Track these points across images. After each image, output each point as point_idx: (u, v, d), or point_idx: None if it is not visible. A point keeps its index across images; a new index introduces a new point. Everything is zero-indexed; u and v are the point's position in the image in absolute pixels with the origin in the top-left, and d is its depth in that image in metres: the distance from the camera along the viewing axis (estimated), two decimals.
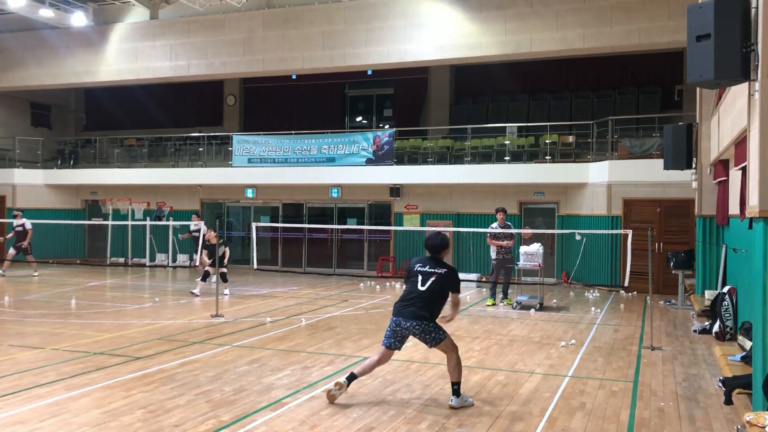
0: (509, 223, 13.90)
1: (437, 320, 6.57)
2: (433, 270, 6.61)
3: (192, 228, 16.88)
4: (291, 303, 13.49)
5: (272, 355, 8.63)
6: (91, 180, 22.38)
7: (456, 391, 6.44)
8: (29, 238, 17.83)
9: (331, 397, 6.44)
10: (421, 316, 6.44)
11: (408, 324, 6.46)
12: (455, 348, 6.60)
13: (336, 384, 6.44)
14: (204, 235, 14.35)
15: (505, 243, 13.34)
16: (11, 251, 17.92)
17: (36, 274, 17.89)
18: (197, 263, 16.63)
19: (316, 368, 7.94)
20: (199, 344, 9.22)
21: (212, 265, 14.33)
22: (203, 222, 16.14)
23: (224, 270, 14.22)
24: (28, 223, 17.85)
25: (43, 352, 8.58)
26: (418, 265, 6.71)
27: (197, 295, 14.01)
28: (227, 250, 14.70)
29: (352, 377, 6.53)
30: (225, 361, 8.25)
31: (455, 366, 6.48)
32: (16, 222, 17.92)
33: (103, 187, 22.49)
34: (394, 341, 6.60)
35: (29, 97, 24.36)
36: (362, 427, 5.83)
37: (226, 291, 14.33)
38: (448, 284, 6.59)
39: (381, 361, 6.68)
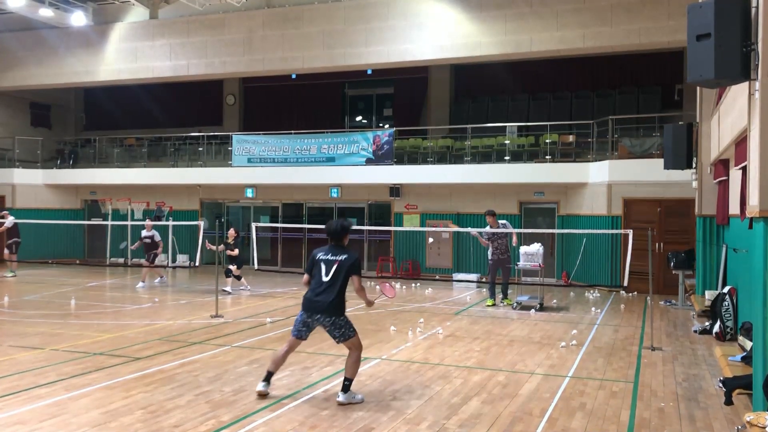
0: (505, 222, 13.75)
1: (351, 311, 6.64)
2: (334, 258, 6.59)
3: (144, 235, 16.70)
4: (291, 303, 13.48)
5: (272, 355, 8.61)
6: (90, 180, 22.37)
7: (346, 387, 6.49)
8: (3, 234, 17.59)
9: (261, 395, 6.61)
10: (330, 311, 6.50)
11: (318, 317, 6.54)
12: (360, 347, 6.69)
13: (259, 393, 6.60)
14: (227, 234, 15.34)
15: (484, 241, 13.47)
16: (6, 252, 17.89)
17: (10, 275, 17.61)
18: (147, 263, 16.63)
19: (315, 369, 7.93)
20: (199, 345, 9.21)
21: (232, 263, 15.15)
22: (155, 231, 16.65)
23: (231, 267, 15.03)
24: (9, 223, 17.55)
25: (43, 353, 8.57)
26: (321, 253, 6.69)
27: (229, 293, 14.77)
28: (237, 250, 15.24)
29: (269, 375, 6.70)
30: (225, 361, 8.25)
31: (354, 363, 6.55)
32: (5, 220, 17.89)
33: (103, 187, 22.49)
34: (304, 331, 6.71)
35: (29, 96, 24.35)
36: (362, 427, 5.82)
37: (228, 288, 14.88)
38: (349, 269, 6.55)
39: (291, 349, 6.83)
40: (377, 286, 7.84)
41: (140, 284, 15.99)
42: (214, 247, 14.67)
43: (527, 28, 16.56)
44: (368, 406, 6.45)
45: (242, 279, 15.51)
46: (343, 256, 6.59)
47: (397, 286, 16.62)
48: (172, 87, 23.24)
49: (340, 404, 6.38)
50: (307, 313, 6.59)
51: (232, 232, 15.35)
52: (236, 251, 15.20)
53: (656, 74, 19.40)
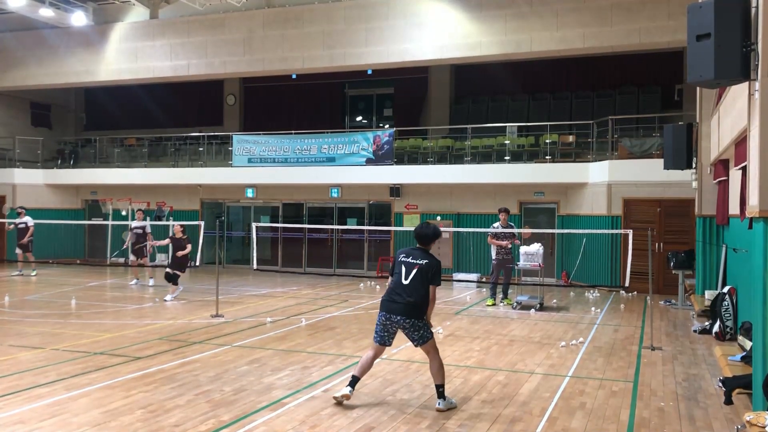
0: (512, 224, 13.88)
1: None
2: (415, 261, 6.49)
3: (134, 225, 16.51)
4: (291, 303, 13.49)
5: (272, 355, 8.63)
6: (91, 180, 22.38)
7: (441, 394, 6.37)
8: (29, 235, 17.95)
9: (338, 400, 6.43)
10: (409, 312, 6.35)
11: (397, 318, 6.39)
12: (437, 350, 6.52)
13: (343, 396, 6.39)
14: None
15: (504, 243, 13.32)
16: (17, 251, 18.05)
17: (34, 273, 17.95)
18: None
19: (316, 368, 7.94)
20: (199, 344, 9.22)
21: (171, 266, 13.83)
22: (147, 222, 16.39)
23: (179, 273, 13.73)
24: (30, 221, 18.02)
25: (44, 352, 8.58)
26: (402, 255, 6.60)
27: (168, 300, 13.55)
28: (189, 247, 13.83)
29: (355, 380, 6.51)
30: (225, 361, 8.25)
31: (438, 369, 6.41)
32: (18, 220, 18.07)
33: (103, 187, 22.49)
34: (386, 336, 6.53)
35: (29, 96, 24.35)
36: (362, 427, 5.83)
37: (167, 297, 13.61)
38: (430, 276, 6.45)
39: (376, 356, 6.64)
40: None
41: (150, 281, 15.93)
42: (164, 241, 14.35)
43: (527, 28, 16.56)
44: (368, 405, 6.46)
45: (175, 287, 13.80)
46: (425, 261, 6.47)
47: None
48: (172, 87, 23.25)
49: (439, 411, 6.26)
50: (386, 314, 6.43)
51: (177, 227, 14.02)
52: (189, 247, 13.78)
53: (656, 74, 19.40)
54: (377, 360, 6.82)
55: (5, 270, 19.45)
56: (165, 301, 13.41)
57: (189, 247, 13.82)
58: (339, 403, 6.41)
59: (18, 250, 18.05)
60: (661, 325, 11.39)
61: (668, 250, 14.49)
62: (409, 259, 6.52)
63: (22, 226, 17.98)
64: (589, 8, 16.01)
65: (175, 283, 13.73)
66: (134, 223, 16.56)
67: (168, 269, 13.89)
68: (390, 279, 6.68)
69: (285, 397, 6.71)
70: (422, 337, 6.42)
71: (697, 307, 12.28)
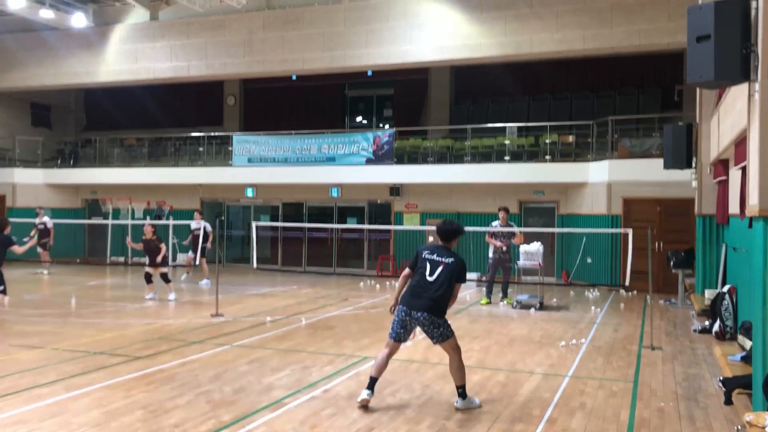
0: (512, 223, 13.89)
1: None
2: (440, 259, 6.44)
3: (193, 227, 16.83)
4: (291, 302, 13.49)
5: (272, 354, 8.63)
6: (91, 180, 22.40)
7: (462, 393, 6.35)
8: (52, 236, 18.42)
9: (362, 404, 6.35)
10: (432, 308, 6.29)
11: (419, 314, 6.31)
12: (458, 350, 6.45)
13: (363, 401, 6.32)
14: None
15: (499, 243, 13.34)
16: (39, 249, 18.20)
17: (47, 273, 18.17)
18: (194, 262, 16.78)
19: (316, 368, 7.94)
20: (199, 344, 9.22)
21: (150, 265, 13.50)
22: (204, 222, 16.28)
23: (165, 271, 13.62)
24: (49, 222, 18.24)
25: (44, 352, 8.59)
26: (426, 252, 6.53)
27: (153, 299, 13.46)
28: (163, 247, 13.61)
29: (373, 382, 6.44)
30: (225, 360, 8.26)
31: (458, 368, 6.36)
32: (37, 220, 18.22)
33: (103, 186, 22.51)
34: (403, 332, 6.46)
35: (29, 97, 24.35)
36: (362, 427, 5.83)
37: (171, 296, 13.52)
38: (456, 275, 6.41)
39: (391, 353, 6.57)
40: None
41: (183, 276, 16.30)
42: (138, 245, 13.79)
43: (527, 29, 16.57)
44: (368, 405, 6.46)
45: (152, 285, 13.56)
46: (450, 259, 6.44)
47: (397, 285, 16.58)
48: (172, 88, 23.23)
49: (458, 410, 6.24)
50: (406, 309, 6.35)
51: (148, 227, 13.60)
52: (163, 247, 13.54)
53: (656, 75, 19.41)
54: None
55: (5, 270, 19.43)
56: (169, 300, 13.32)
57: (163, 247, 13.53)
58: (364, 407, 6.32)
59: (39, 249, 18.20)
60: (661, 324, 11.39)
61: (668, 250, 14.51)
62: (434, 257, 6.47)
63: (42, 226, 18.23)
64: (589, 10, 16.02)
65: (168, 281, 13.61)
66: (193, 224, 16.73)
67: (149, 270, 13.52)
68: (407, 271, 6.60)
69: (285, 397, 6.72)
70: (442, 334, 6.38)
71: (697, 306, 12.29)
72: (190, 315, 11.79)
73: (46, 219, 18.36)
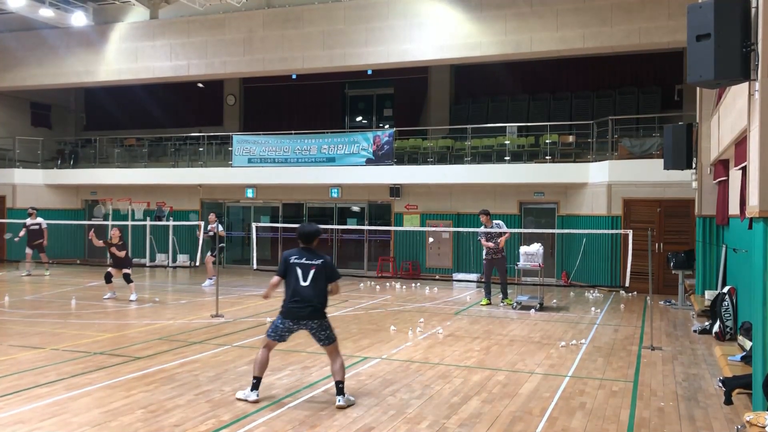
0: (499, 222, 13.86)
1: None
2: (310, 262, 6.52)
3: (28, 222, 17.68)
4: None
5: (272, 355, 8.59)
6: (91, 180, 22.39)
7: (341, 390, 6.44)
8: (46, 237, 18.16)
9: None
10: (316, 313, 6.46)
11: (305, 322, 6.48)
12: (339, 351, 6.67)
13: (254, 401, 6.48)
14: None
15: (490, 244, 13.37)
16: (28, 251, 18.05)
17: (47, 273, 18.05)
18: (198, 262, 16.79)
19: (316, 368, 7.93)
20: (199, 344, 9.22)
21: (114, 266, 13.67)
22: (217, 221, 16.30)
23: (128, 271, 13.65)
24: (44, 222, 18.11)
25: (44, 352, 8.58)
26: (294, 257, 6.58)
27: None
28: (124, 253, 13.77)
29: (258, 381, 6.58)
30: (225, 361, 8.25)
31: (341, 367, 6.54)
32: (29, 221, 18.06)
33: (103, 187, 22.50)
34: (287, 335, 6.67)
35: (29, 96, 24.35)
36: (362, 427, 5.83)
37: (133, 296, 13.48)
38: (328, 274, 6.55)
39: (270, 350, 6.73)
40: None
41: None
42: (100, 242, 13.97)
43: (527, 28, 16.56)
44: (368, 405, 6.46)
45: (112, 285, 13.68)
46: (319, 261, 6.54)
47: (397, 286, 16.62)
48: (172, 87, 23.25)
49: (340, 408, 6.32)
50: (292, 320, 6.48)
51: (116, 232, 13.79)
52: (124, 253, 13.67)
53: (656, 74, 19.41)
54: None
55: (4, 270, 19.45)
56: (131, 300, 13.26)
57: (123, 253, 13.65)
58: (255, 401, 6.49)
59: (28, 250, 18.04)
60: (661, 325, 11.39)
61: (668, 250, 14.49)
62: (303, 261, 6.54)
63: (36, 227, 18.01)
64: (589, 9, 16.02)
65: (130, 281, 13.53)
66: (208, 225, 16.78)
67: (112, 269, 13.64)
68: (275, 279, 6.66)
69: (285, 397, 6.71)
70: (328, 337, 6.54)
71: (697, 307, 12.29)
72: (190, 316, 11.79)
73: (40, 220, 18.15)
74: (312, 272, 6.46)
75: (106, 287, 13.66)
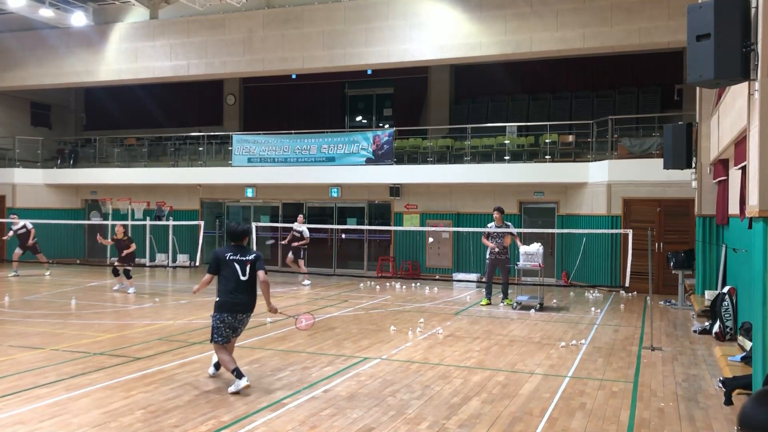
0: (508, 223, 13.89)
1: (270, 314, 7.28)
2: (245, 258, 6.95)
3: (14, 228, 17.83)
4: (291, 303, 13.49)
5: (272, 355, 8.63)
6: (91, 180, 22.38)
7: (240, 373, 6.76)
8: (33, 237, 17.99)
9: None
10: (251, 308, 6.97)
11: (243, 316, 6.91)
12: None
13: (246, 387, 6.75)
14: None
15: (491, 244, 13.36)
16: (17, 251, 18.03)
17: (48, 273, 18.08)
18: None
19: (316, 368, 7.93)
20: (199, 345, 9.22)
21: (119, 260, 14.93)
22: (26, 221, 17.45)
23: (129, 267, 14.88)
24: (28, 224, 18.03)
25: (43, 353, 8.58)
26: (229, 254, 6.96)
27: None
28: (133, 246, 15.04)
29: (239, 370, 6.82)
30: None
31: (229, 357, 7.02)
32: (15, 226, 17.93)
33: (103, 186, 22.50)
34: (232, 334, 7.03)
35: (29, 96, 24.36)
36: (362, 427, 5.83)
37: (131, 289, 14.70)
38: (259, 266, 6.97)
39: (231, 350, 7.13)
40: (296, 317, 8.00)
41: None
42: (107, 241, 15.57)
43: (527, 28, 16.56)
44: (368, 406, 6.46)
45: (120, 278, 15.05)
46: (252, 255, 7.02)
47: (397, 286, 16.62)
48: (172, 87, 23.26)
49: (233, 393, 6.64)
50: (231, 315, 6.85)
51: (120, 228, 15.19)
52: (133, 246, 15.06)
53: (656, 74, 19.40)
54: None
55: (4, 270, 19.44)
56: (130, 292, 14.50)
57: (133, 246, 15.03)
58: (241, 391, 6.73)
59: (18, 250, 18.01)
60: (661, 325, 11.39)
61: (668, 250, 14.49)
62: (239, 257, 6.96)
63: (23, 231, 17.94)
64: (589, 8, 16.01)
65: (129, 278, 14.81)
66: (295, 226, 17.27)
67: (117, 264, 15.00)
68: (207, 277, 7.03)
69: (285, 397, 6.71)
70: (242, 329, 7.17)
71: (697, 307, 12.28)
72: (190, 316, 11.79)
73: (23, 222, 17.98)
74: (248, 267, 6.91)
75: (115, 279, 15.05)
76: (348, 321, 11.36)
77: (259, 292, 7.10)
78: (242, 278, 6.86)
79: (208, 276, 7.03)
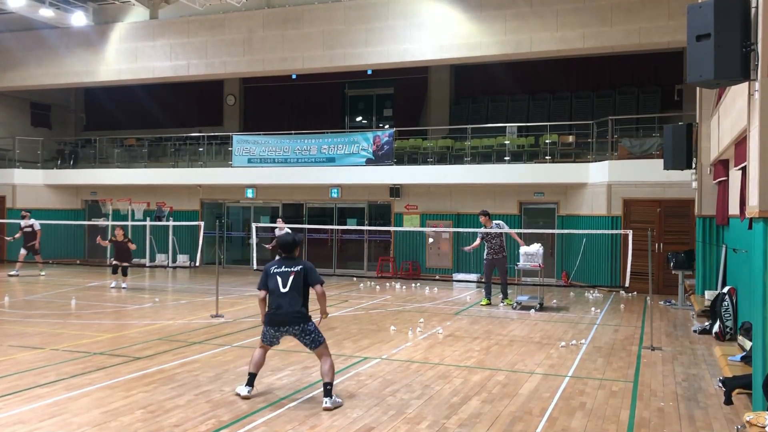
0: (499, 222, 13.94)
1: (317, 324, 6.71)
2: (289, 269, 6.67)
3: (22, 225, 18.15)
4: None
5: (272, 355, 8.61)
6: (90, 180, 22.38)
7: (329, 392, 6.42)
8: (39, 239, 18.05)
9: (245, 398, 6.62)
10: (296, 319, 6.55)
11: (286, 328, 6.58)
12: (329, 352, 6.68)
13: (244, 397, 6.60)
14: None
15: (471, 246, 13.75)
16: (22, 252, 18.09)
17: (43, 273, 18.09)
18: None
19: (315, 368, 7.92)
20: (199, 344, 9.22)
21: (116, 258, 15.60)
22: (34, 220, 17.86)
23: (126, 264, 15.60)
24: (36, 224, 18.13)
25: (43, 353, 8.58)
26: (274, 267, 6.73)
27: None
28: (132, 246, 15.82)
29: (252, 377, 6.72)
30: (225, 361, 8.25)
31: (330, 368, 6.52)
32: (24, 223, 18.07)
33: (103, 187, 22.49)
34: (276, 342, 6.78)
35: (29, 97, 24.35)
36: (362, 427, 5.83)
37: (124, 285, 15.42)
38: (308, 278, 6.67)
39: (266, 352, 6.89)
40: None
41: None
42: (106, 242, 16.19)
43: (527, 28, 16.56)
44: (368, 405, 6.46)
45: (117, 275, 15.62)
46: (298, 267, 6.68)
47: (397, 286, 16.62)
48: (172, 87, 23.25)
49: (327, 409, 6.27)
50: (274, 328, 6.61)
51: (119, 230, 15.87)
52: (133, 246, 15.80)
53: (656, 74, 19.41)
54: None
55: (4, 270, 19.44)
56: (123, 288, 15.23)
57: (133, 245, 15.83)
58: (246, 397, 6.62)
59: (23, 251, 18.07)
60: (661, 325, 11.39)
61: (668, 251, 14.49)
62: (282, 269, 6.69)
63: (29, 229, 18.03)
64: (589, 8, 16.02)
65: (125, 275, 15.50)
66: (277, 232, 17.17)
67: (116, 263, 15.56)
68: (262, 294, 6.77)
69: (285, 397, 6.71)
70: (314, 341, 6.60)
71: (697, 307, 12.28)
72: (190, 316, 11.79)
73: (32, 221, 18.13)
74: (291, 278, 6.61)
75: (112, 277, 15.59)
76: (348, 321, 11.36)
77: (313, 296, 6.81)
78: (282, 290, 6.59)
79: (260, 293, 6.78)
